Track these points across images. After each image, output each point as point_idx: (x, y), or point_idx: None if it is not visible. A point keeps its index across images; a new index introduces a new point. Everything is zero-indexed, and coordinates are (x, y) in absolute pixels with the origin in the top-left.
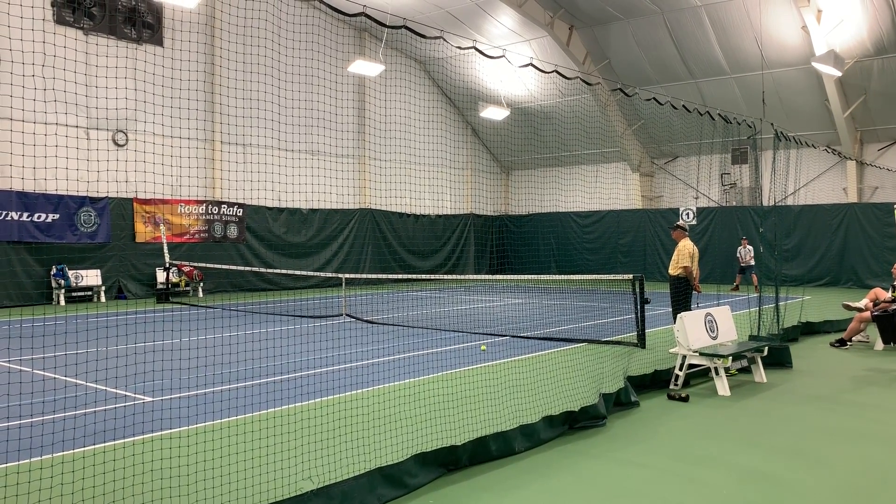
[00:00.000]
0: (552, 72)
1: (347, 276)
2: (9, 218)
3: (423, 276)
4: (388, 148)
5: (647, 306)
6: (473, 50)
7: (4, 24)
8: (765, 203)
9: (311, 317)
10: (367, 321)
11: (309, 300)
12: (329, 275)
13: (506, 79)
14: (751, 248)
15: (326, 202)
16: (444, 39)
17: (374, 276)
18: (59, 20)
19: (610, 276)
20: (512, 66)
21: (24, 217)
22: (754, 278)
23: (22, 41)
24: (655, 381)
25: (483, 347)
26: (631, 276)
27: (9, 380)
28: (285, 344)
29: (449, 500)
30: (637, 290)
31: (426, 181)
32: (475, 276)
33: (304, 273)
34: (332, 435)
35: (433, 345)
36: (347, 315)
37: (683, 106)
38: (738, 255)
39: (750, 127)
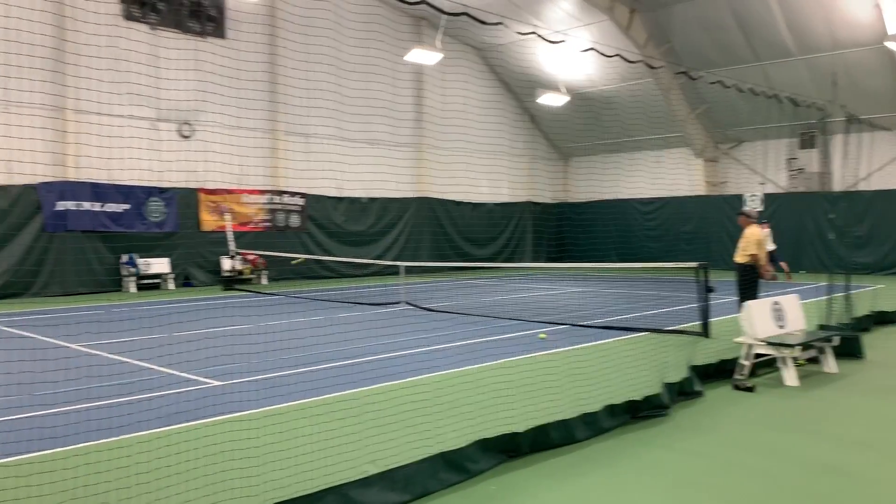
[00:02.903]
0: (615, 56)
1: (406, 264)
2: (83, 208)
3: (481, 265)
4: (446, 136)
5: (711, 295)
6: (533, 35)
7: (78, 20)
8: (835, 189)
9: (370, 304)
10: (426, 309)
11: (368, 288)
12: (388, 263)
13: (565, 64)
14: (769, 231)
15: (385, 191)
16: (505, 25)
17: (432, 264)
18: (128, 16)
19: (673, 264)
20: (572, 50)
21: (97, 207)
22: (784, 265)
23: (96, 36)
24: (720, 371)
25: (542, 336)
26: (696, 265)
27: (81, 363)
28: (346, 330)
29: (511, 486)
30: (701, 278)
31: (484, 169)
32: (534, 265)
33: (363, 261)
34: (394, 420)
35: (492, 333)
36: (406, 303)
37: (750, 89)
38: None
39: (820, 110)
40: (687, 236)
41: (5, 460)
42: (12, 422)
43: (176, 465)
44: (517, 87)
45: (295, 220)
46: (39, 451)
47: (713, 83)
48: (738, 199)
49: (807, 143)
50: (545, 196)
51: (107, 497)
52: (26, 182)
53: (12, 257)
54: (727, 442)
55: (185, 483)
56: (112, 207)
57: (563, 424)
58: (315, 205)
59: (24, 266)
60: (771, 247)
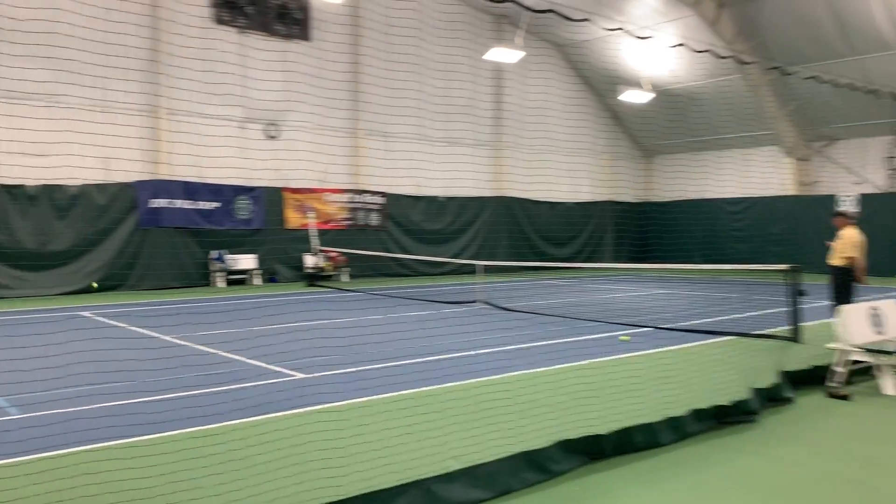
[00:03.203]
0: (705, 51)
1: (483, 263)
2: (175, 205)
3: (560, 265)
4: (526, 135)
5: (803, 298)
6: (617, 31)
7: (173, 22)
8: None
9: (447, 302)
10: (503, 308)
11: (445, 286)
12: (465, 262)
13: (649, 60)
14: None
15: (463, 190)
16: (590, 21)
17: (509, 263)
18: (218, 20)
19: (762, 266)
20: (657, 46)
21: (188, 205)
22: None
23: (188, 38)
24: (812, 378)
25: (624, 338)
26: (786, 267)
27: (172, 354)
28: (425, 327)
29: (593, 488)
30: (792, 281)
31: (563, 168)
32: (614, 265)
33: (440, 259)
34: (475, 417)
35: (571, 334)
36: (483, 302)
37: (847, 84)
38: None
39: None
40: (776, 238)
41: (108, 444)
42: (112, 408)
43: (266, 454)
44: (599, 85)
45: (375, 219)
46: (140, 435)
47: (808, 78)
48: (830, 200)
49: None
50: (627, 195)
51: (202, 482)
52: (123, 180)
53: (109, 252)
54: (822, 451)
55: (274, 472)
56: (202, 205)
57: (647, 428)
58: (394, 204)
59: (120, 260)
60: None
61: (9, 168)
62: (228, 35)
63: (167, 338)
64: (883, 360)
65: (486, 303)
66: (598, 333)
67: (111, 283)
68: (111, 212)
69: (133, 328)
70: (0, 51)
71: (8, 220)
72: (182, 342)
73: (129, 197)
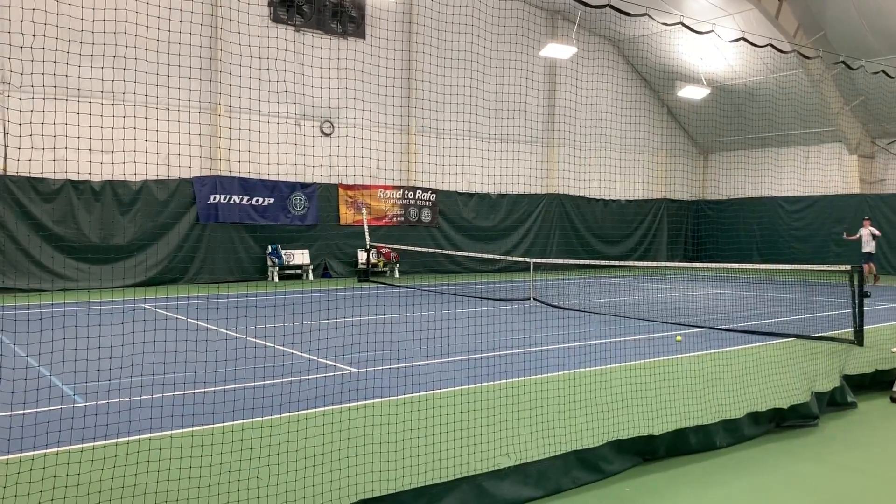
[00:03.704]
0: (766, 46)
1: (535, 260)
2: (232, 201)
3: (613, 263)
4: (579, 132)
5: (866, 300)
6: (674, 26)
7: (232, 20)
8: None
9: (499, 300)
10: (555, 306)
11: (497, 283)
12: (517, 259)
13: (706, 55)
14: (873, 229)
15: (515, 187)
16: (650, 16)
17: (561, 260)
18: (275, 19)
19: (824, 266)
20: (714, 41)
21: (245, 201)
22: (867, 268)
23: (246, 37)
24: (876, 382)
25: (679, 338)
26: (849, 268)
27: (231, 346)
28: (476, 324)
29: (646, 489)
30: (855, 282)
31: (617, 165)
32: (669, 264)
33: (492, 256)
34: (527, 415)
35: (625, 333)
36: (535, 299)
37: None
38: (862, 237)
39: None
40: (839, 238)
41: (167, 433)
42: (171, 398)
43: (319, 447)
44: (654, 80)
45: (427, 215)
46: (198, 426)
47: (876, 73)
48: None
49: None
50: (682, 192)
51: (259, 472)
52: (182, 176)
53: (170, 246)
54: (886, 458)
55: (329, 463)
56: (258, 201)
57: (702, 430)
58: (446, 200)
59: (179, 254)
60: (870, 248)
61: (75, 164)
62: (285, 33)
63: (224, 330)
64: None
65: (538, 300)
66: (651, 333)
67: (171, 276)
68: (171, 207)
69: (191, 320)
70: (70, 50)
71: (74, 214)
72: (238, 335)
73: (188, 193)
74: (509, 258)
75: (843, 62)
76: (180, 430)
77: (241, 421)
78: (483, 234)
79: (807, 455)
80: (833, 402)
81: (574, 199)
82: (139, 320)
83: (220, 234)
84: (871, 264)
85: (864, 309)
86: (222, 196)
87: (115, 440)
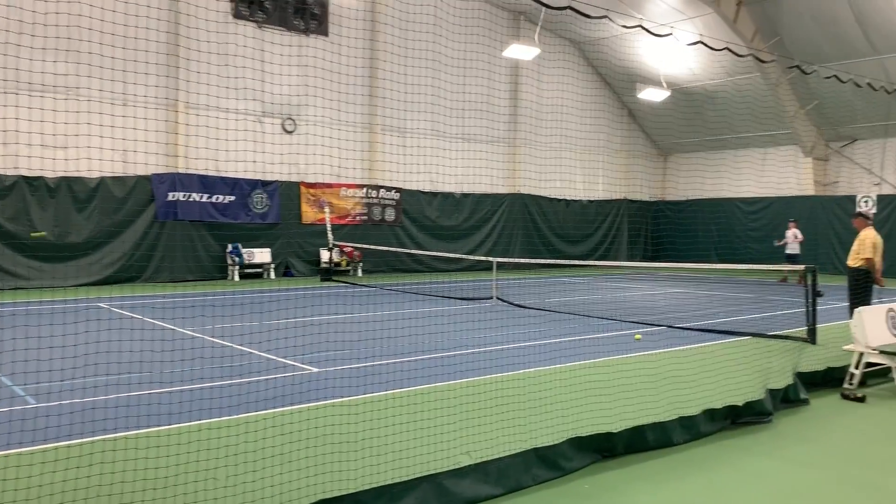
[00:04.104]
0: (723, 49)
1: (498, 259)
2: (192, 199)
3: (574, 262)
4: (541, 132)
5: (819, 300)
6: (635, 29)
7: (192, 16)
8: None
9: (462, 298)
10: (518, 305)
11: (460, 282)
12: (480, 258)
13: (666, 58)
14: (797, 231)
15: (478, 187)
16: (610, 19)
17: (524, 260)
18: (237, 15)
19: (779, 266)
20: (675, 44)
21: (205, 198)
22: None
23: (207, 33)
24: (828, 380)
25: (638, 337)
26: (802, 268)
27: (188, 346)
28: (439, 323)
29: (604, 486)
30: (809, 282)
31: (578, 166)
32: (629, 264)
33: (455, 255)
34: (487, 413)
35: (585, 331)
36: (498, 298)
37: (868, 84)
38: (786, 240)
39: None
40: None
41: (123, 434)
42: (127, 398)
43: (279, 447)
44: (616, 82)
45: (390, 214)
46: (154, 426)
47: (829, 77)
48: (850, 201)
49: None
50: (642, 193)
51: (216, 473)
52: (141, 173)
53: (127, 244)
54: (836, 453)
55: (288, 464)
56: (219, 198)
57: (659, 427)
58: (410, 199)
59: (137, 252)
60: (793, 250)
61: (29, 160)
62: (247, 30)
63: (182, 330)
64: None
65: (501, 299)
66: (611, 332)
67: (128, 275)
68: (129, 204)
69: (149, 320)
70: (22, 43)
71: (28, 211)
72: (197, 334)
73: (146, 190)
74: (472, 257)
75: (798, 66)
76: (136, 432)
77: (198, 422)
78: (446, 234)
79: (760, 451)
80: (786, 398)
81: (536, 198)
82: (94, 319)
83: (179, 233)
84: (794, 265)
85: (818, 308)
86: (182, 194)
87: (67, 442)
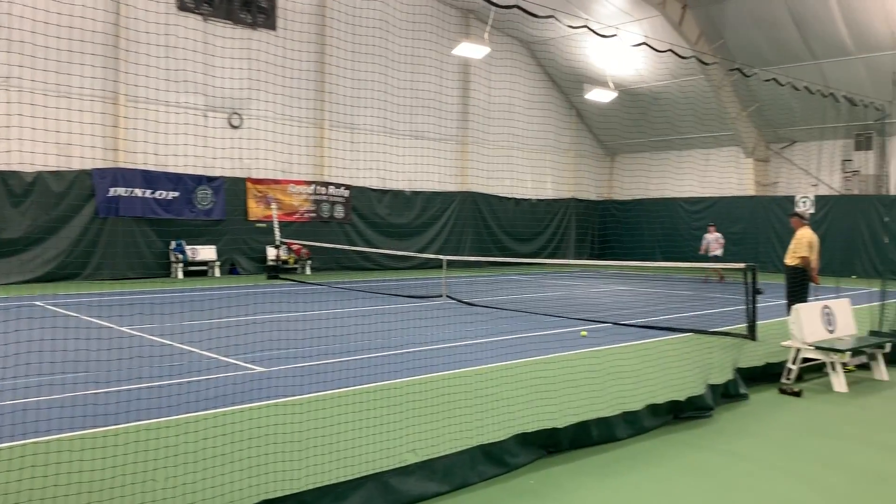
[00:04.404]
0: (667, 51)
1: (448, 257)
2: (134, 195)
3: (524, 260)
4: (491, 131)
5: (759, 297)
6: (582, 30)
7: (135, 7)
8: (891, 192)
9: (412, 296)
10: (467, 303)
11: (410, 280)
12: (430, 256)
13: (613, 59)
14: (719, 235)
15: (429, 184)
16: (556, 19)
17: (474, 258)
18: (182, 7)
19: (720, 265)
20: (620, 45)
21: (147, 194)
22: (715, 266)
23: (150, 25)
24: (766, 375)
25: (584, 333)
26: (743, 266)
27: (127, 344)
28: (388, 321)
29: (549, 481)
30: (749, 280)
31: (528, 165)
32: (577, 262)
33: (405, 253)
34: (434, 411)
35: (532, 328)
36: (448, 296)
37: (805, 87)
38: (708, 244)
39: (878, 110)
40: (735, 237)
41: (58, 436)
42: (62, 399)
43: (221, 447)
44: (564, 83)
45: (339, 212)
46: (91, 428)
47: (768, 80)
48: (789, 201)
49: (863, 144)
50: (590, 193)
51: (154, 475)
52: (81, 167)
53: (66, 240)
54: (773, 446)
55: (230, 464)
56: (162, 194)
57: (603, 422)
58: (359, 196)
59: (77, 249)
60: (718, 252)
61: None
62: (192, 22)
63: (122, 328)
64: (834, 357)
65: (450, 297)
66: (558, 329)
67: (67, 272)
68: (68, 199)
69: (87, 318)
70: None
71: None
72: (137, 333)
73: (86, 185)
74: (423, 255)
75: (739, 69)
76: (70, 434)
77: (135, 423)
78: (396, 231)
79: (701, 444)
80: (727, 393)
81: (486, 197)
82: (28, 318)
83: (120, 229)
84: (717, 264)
85: (757, 305)
86: (124, 189)
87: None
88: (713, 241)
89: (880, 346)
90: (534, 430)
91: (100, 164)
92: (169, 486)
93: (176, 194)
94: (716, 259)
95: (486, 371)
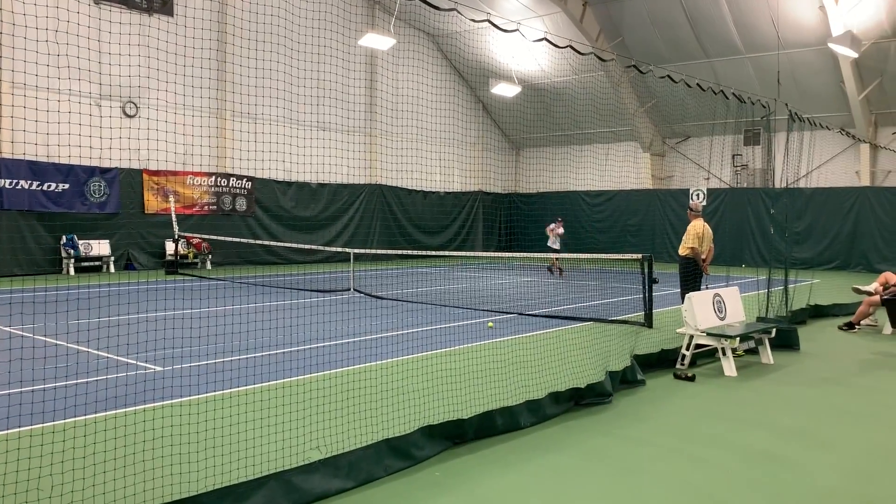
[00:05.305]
0: (566, 47)
1: (356, 251)
2: (20, 187)
3: (432, 253)
4: (398, 123)
5: (655, 286)
6: (486, 24)
7: None
8: (776, 185)
9: (318, 291)
10: (375, 296)
11: (317, 275)
12: (337, 249)
13: (517, 55)
14: (555, 226)
15: (335, 177)
16: (458, 12)
17: (382, 251)
18: None
19: (618, 255)
20: (525, 41)
21: (35, 186)
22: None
23: (34, 6)
24: (662, 361)
25: (490, 324)
26: (640, 257)
27: (12, 345)
28: (293, 316)
29: (455, 472)
30: (645, 270)
31: (435, 157)
32: (483, 254)
33: (312, 247)
34: (339, 406)
35: (440, 321)
36: (355, 290)
37: (697, 84)
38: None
39: (764, 107)
40: (633, 229)
41: None
42: None
43: (113, 451)
44: (470, 76)
45: (242, 204)
46: None
47: (662, 77)
48: (683, 194)
49: (751, 139)
50: (496, 186)
51: (40, 483)
52: None
53: None
54: (668, 430)
55: (122, 469)
56: (51, 186)
57: (507, 411)
58: (263, 189)
59: None
60: (556, 246)
61: None
62: (82, 6)
63: (6, 328)
64: (724, 343)
65: (358, 290)
66: (465, 320)
67: None
68: None
69: None
70: None
71: None
72: (23, 333)
73: None
74: (330, 249)
75: (635, 66)
76: None
77: (22, 428)
78: (303, 224)
79: (601, 430)
80: (625, 380)
81: (395, 189)
82: None
83: (5, 223)
84: (555, 259)
85: (654, 294)
86: (8, 181)
87: None
88: (551, 232)
89: (767, 332)
90: (439, 421)
91: None
92: (55, 495)
93: (66, 186)
94: (554, 251)
95: (393, 365)
